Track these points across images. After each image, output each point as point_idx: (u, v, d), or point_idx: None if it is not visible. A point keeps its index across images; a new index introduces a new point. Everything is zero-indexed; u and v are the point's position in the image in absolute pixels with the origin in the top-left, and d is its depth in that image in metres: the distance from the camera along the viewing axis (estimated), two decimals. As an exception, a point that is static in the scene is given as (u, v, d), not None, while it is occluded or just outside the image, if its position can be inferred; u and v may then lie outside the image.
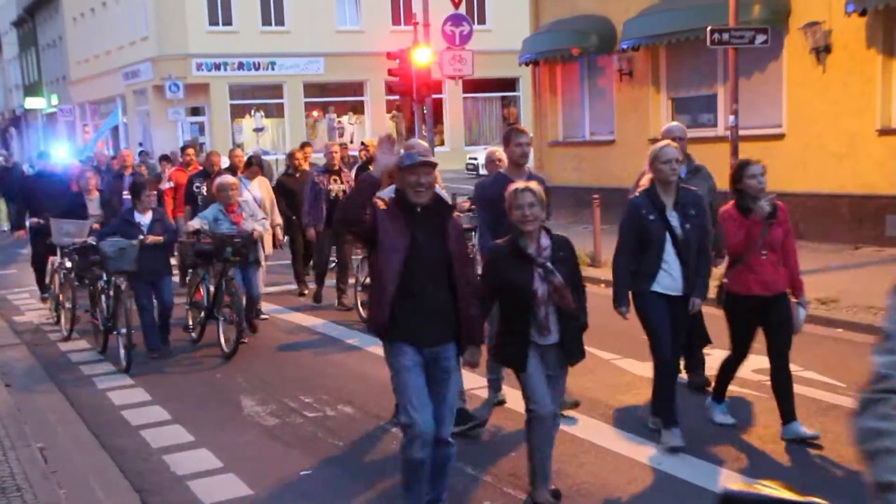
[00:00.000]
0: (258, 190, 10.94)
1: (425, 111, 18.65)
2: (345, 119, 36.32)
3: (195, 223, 9.11)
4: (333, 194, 10.66)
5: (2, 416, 6.82)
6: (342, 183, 10.84)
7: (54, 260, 10.74)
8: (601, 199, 12.61)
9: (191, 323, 9.64)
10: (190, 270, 10.12)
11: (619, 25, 16.13)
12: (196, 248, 9.23)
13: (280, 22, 35.00)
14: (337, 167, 10.96)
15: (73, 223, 10.06)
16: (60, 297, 10.27)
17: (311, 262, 11.73)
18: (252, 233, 9.10)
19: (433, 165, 4.64)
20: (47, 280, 11.42)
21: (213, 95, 34.19)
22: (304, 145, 13.84)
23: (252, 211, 9.43)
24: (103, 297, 9.03)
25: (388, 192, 6.18)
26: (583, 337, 5.00)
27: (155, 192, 12.84)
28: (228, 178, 9.38)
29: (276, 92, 35.35)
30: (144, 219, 8.94)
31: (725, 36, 11.35)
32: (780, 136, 13.90)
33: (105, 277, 8.96)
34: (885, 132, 12.38)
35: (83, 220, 10.18)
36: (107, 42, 39.69)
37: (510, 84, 36.99)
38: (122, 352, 8.52)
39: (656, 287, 5.74)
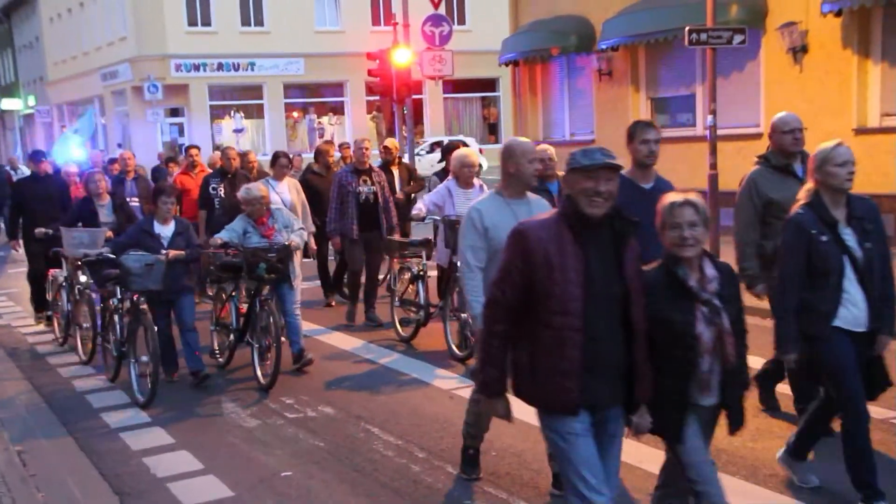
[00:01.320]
0: (288, 192, 9.65)
1: (405, 112, 18.65)
2: (325, 120, 36.28)
3: (223, 236, 7.89)
4: (363, 197, 9.62)
5: (-21, 420, 6.78)
6: (372, 184, 9.70)
7: (57, 273, 9.78)
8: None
9: (216, 347, 8.49)
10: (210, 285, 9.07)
11: (599, 25, 16.19)
12: (221, 261, 7.97)
13: (259, 22, 34.91)
14: (367, 166, 9.79)
15: (87, 232, 8.93)
16: (74, 317, 9.18)
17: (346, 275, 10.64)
18: (289, 244, 7.90)
19: (618, 169, 3.62)
20: (49, 296, 10.32)
21: (192, 96, 34.05)
22: (327, 143, 12.62)
23: (287, 221, 8.17)
24: (116, 318, 7.91)
25: (476, 199, 5.06)
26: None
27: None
28: (258, 190, 8.02)
29: (255, 93, 35.24)
30: (165, 230, 7.84)
31: (703, 36, 11.41)
32: (759, 136, 13.96)
33: (119, 296, 7.87)
34: (860, 131, 12.49)
35: (97, 229, 9.02)
36: (85, 43, 39.45)
37: (490, 84, 37.05)
38: (135, 383, 7.47)
39: (838, 322, 4.59)
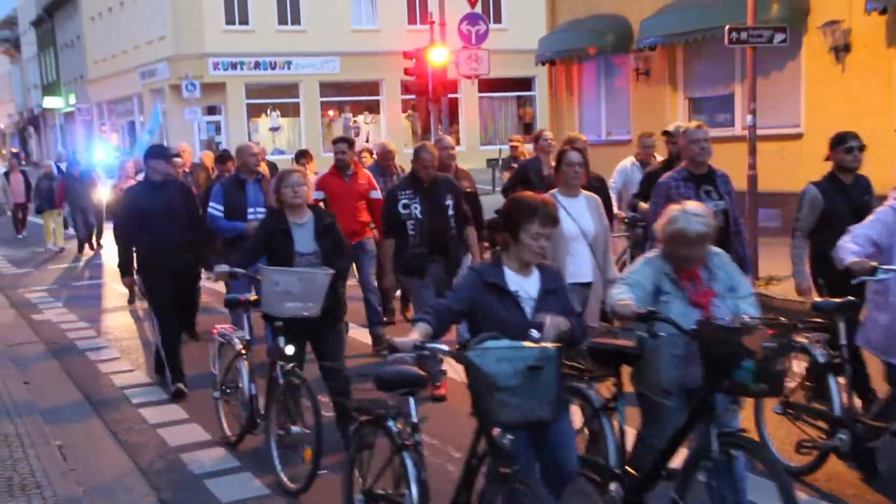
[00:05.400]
0: (589, 218, 6.03)
1: (441, 110, 18.66)
2: (360, 118, 36.38)
3: (628, 294, 4.15)
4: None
5: (21, 414, 6.86)
6: (719, 197, 6.33)
7: (229, 334, 6.37)
8: (618, 199, 12.58)
9: None
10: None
11: (636, 24, 16.09)
12: (593, 344, 4.41)
13: (296, 21, 35.09)
14: (706, 168, 6.36)
15: (298, 274, 5.64)
16: (264, 411, 5.79)
17: None
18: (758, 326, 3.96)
19: None
20: (213, 367, 6.51)
21: (229, 95, 34.32)
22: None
23: (733, 277, 4.42)
24: (409, 462, 4.07)
25: None
26: None
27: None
28: (698, 207, 4.31)
29: (292, 91, 35.42)
30: (526, 284, 4.12)
31: (744, 35, 11.28)
32: (799, 136, 13.81)
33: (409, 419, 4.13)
34: (904, 132, 12.29)
35: (317, 271, 5.68)
36: (124, 41, 39.93)
37: (526, 83, 36.91)
38: None
39: None
